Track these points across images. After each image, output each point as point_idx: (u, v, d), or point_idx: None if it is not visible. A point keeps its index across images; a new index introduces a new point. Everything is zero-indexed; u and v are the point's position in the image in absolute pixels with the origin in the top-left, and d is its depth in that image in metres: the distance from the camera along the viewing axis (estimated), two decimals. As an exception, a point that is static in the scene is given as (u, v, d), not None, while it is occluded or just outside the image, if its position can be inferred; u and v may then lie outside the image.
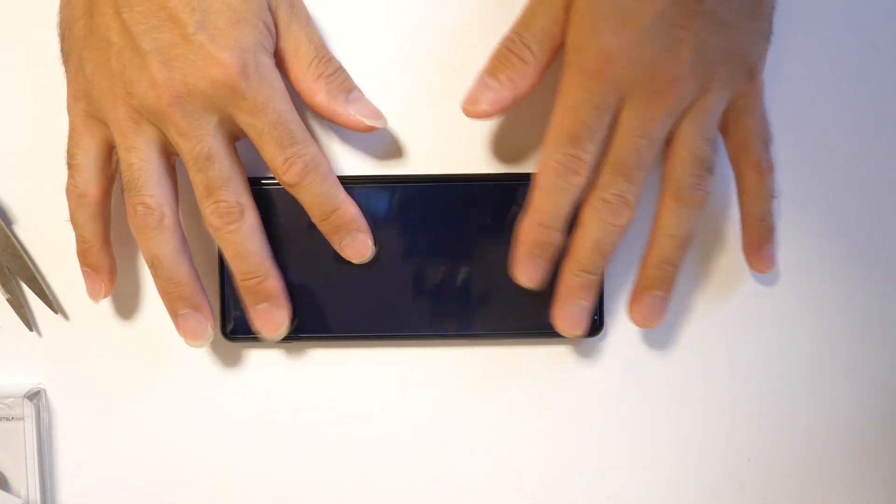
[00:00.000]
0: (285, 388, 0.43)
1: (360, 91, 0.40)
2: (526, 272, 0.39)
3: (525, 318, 0.41)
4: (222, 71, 0.35)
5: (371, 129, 0.39)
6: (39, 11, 0.40)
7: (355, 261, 0.40)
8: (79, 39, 0.37)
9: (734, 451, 0.44)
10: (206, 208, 0.37)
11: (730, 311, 0.43)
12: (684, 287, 0.43)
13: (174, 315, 0.39)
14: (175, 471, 0.43)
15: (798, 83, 0.42)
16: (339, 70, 0.39)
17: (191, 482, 0.43)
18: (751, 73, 0.38)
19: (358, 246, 0.39)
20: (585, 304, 0.40)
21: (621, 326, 0.43)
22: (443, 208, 0.40)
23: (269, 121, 0.36)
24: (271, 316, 0.39)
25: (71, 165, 0.38)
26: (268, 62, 0.36)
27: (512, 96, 0.37)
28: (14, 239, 0.42)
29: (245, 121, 0.36)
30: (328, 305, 0.41)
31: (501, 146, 0.42)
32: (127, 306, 0.43)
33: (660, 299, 0.40)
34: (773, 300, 0.43)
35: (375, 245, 0.40)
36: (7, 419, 0.42)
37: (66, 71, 0.38)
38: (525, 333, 0.42)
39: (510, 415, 0.43)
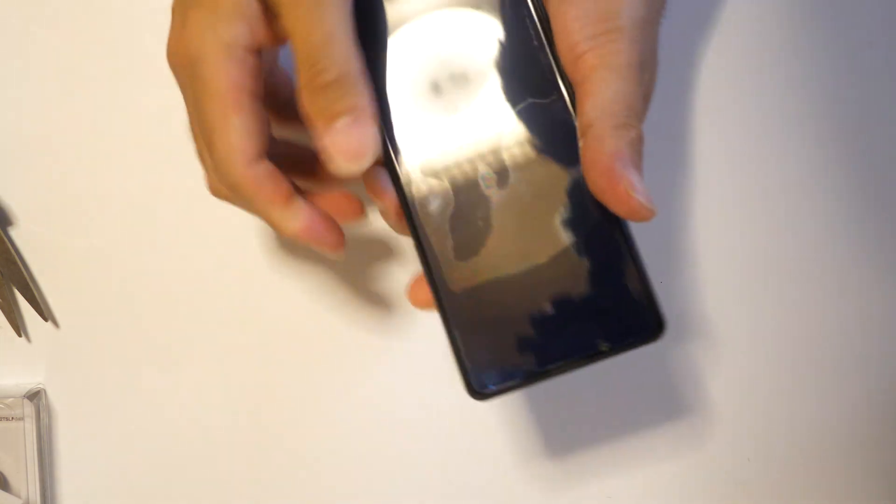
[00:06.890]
0: (285, 386, 0.43)
1: None
2: None
3: None
4: None
5: None
6: (39, 12, 0.40)
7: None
8: None
9: (734, 451, 0.43)
10: None
11: (729, 311, 0.43)
12: (682, 287, 0.42)
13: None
14: (175, 471, 0.44)
15: (797, 82, 0.41)
16: None
17: (191, 482, 0.44)
18: None
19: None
20: None
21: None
22: None
23: None
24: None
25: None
26: None
27: None
28: (10, 244, 0.42)
29: None
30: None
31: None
32: (126, 307, 0.43)
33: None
34: (774, 300, 0.43)
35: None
36: (7, 419, 0.42)
37: None
38: None
39: (509, 413, 0.43)
